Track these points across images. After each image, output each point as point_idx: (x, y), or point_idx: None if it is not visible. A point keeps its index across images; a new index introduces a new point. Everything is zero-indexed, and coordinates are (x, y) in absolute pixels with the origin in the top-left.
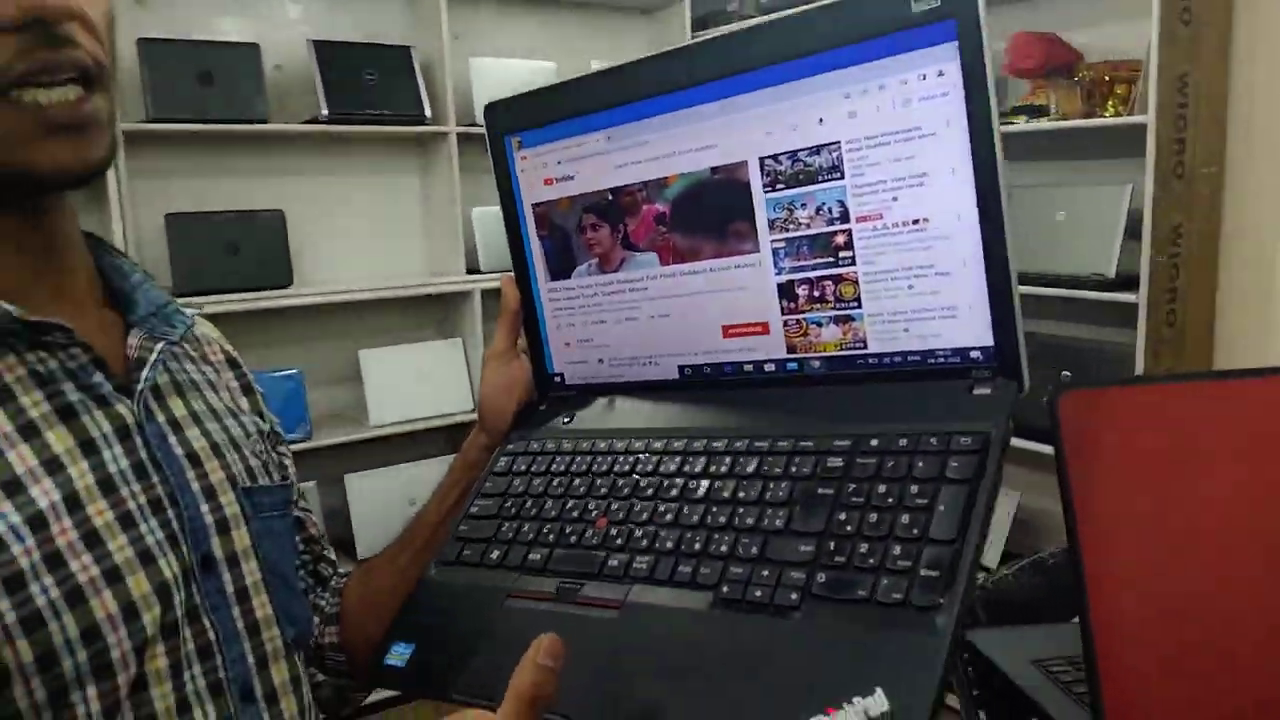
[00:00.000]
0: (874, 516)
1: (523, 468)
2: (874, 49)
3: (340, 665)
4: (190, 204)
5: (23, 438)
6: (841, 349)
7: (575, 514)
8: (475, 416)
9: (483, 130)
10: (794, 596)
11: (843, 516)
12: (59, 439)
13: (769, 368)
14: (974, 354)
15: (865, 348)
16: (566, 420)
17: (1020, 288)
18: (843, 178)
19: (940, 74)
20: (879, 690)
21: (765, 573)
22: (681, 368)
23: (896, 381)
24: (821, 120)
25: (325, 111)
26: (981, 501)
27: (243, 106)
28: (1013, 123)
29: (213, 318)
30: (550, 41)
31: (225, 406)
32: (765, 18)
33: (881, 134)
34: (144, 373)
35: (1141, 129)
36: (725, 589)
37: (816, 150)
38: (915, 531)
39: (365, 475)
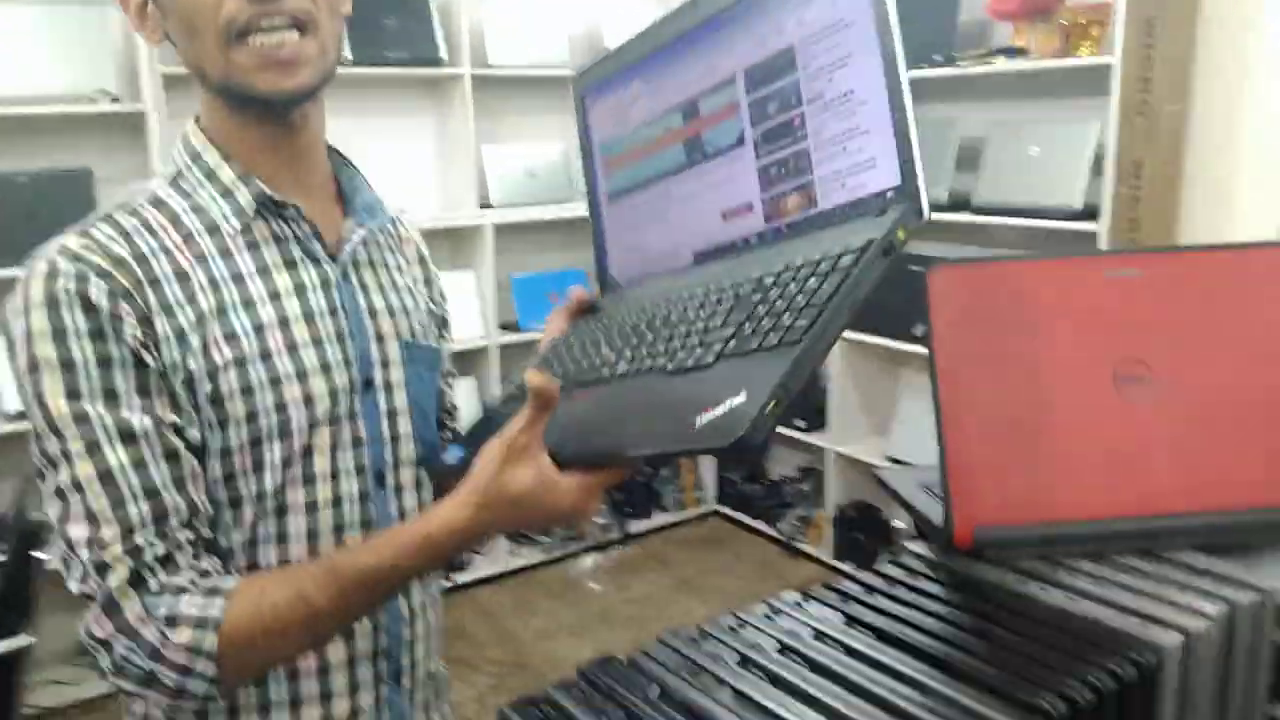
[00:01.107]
0: (779, 303)
1: (569, 340)
2: None
3: None
4: None
5: (260, 275)
6: (800, 211)
7: (590, 354)
8: (484, 343)
9: (495, 71)
10: (710, 358)
11: (761, 308)
12: (282, 280)
13: (754, 238)
14: (888, 192)
15: (817, 206)
16: (607, 308)
17: (994, 218)
18: (796, 71)
19: None
20: (742, 391)
21: (700, 350)
22: (695, 253)
23: (836, 226)
24: (781, 31)
25: (349, 55)
26: (852, 282)
27: None
28: (991, 63)
29: None
30: None
31: (405, 285)
32: None
33: (818, 31)
34: (347, 248)
35: (1109, 69)
36: (669, 365)
37: (778, 55)
38: (800, 300)
39: None
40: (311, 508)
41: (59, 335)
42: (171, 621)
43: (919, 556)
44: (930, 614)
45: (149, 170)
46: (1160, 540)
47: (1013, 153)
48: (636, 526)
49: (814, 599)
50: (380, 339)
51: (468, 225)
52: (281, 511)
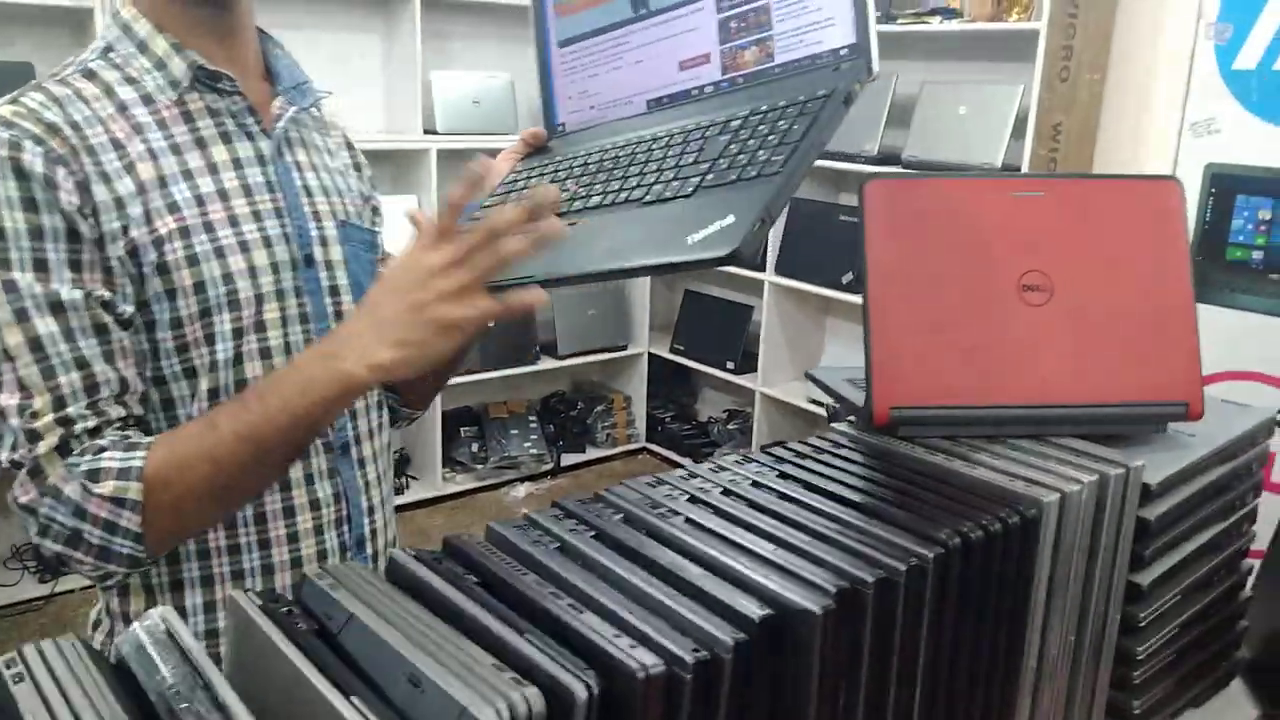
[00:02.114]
0: (751, 141)
1: (523, 177)
2: None
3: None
4: None
5: (197, 147)
6: (758, 64)
7: (577, 182)
8: None
9: None
10: (689, 189)
11: (733, 145)
12: (218, 153)
13: (708, 89)
14: (842, 51)
15: (774, 60)
16: (558, 149)
17: (921, 173)
18: None
19: None
20: (730, 215)
21: (676, 184)
22: (649, 101)
23: (790, 78)
24: None
25: None
26: (821, 124)
27: None
28: (927, 23)
29: None
30: None
31: (336, 168)
32: None
33: None
34: (280, 124)
35: (1035, 35)
36: (647, 196)
37: None
38: (773, 139)
39: None
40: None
41: None
42: (93, 475)
43: (842, 433)
44: (852, 474)
45: None
46: (1048, 426)
47: (942, 111)
48: (569, 459)
49: (752, 460)
50: (317, 217)
51: (412, 149)
52: (241, 385)
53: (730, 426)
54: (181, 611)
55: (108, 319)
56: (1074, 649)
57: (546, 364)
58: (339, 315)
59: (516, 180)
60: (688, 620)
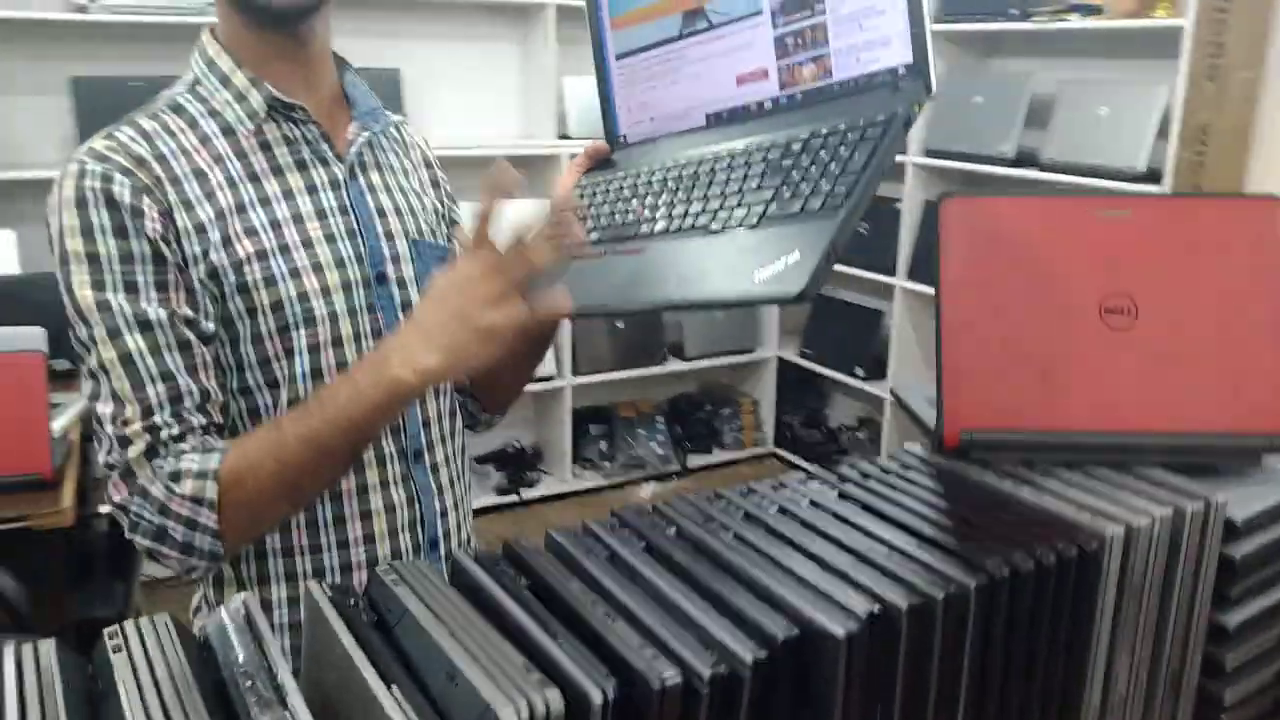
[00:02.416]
0: (813, 169)
1: (589, 193)
2: None
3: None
4: None
5: (274, 174)
6: (815, 81)
7: (620, 209)
8: None
9: (579, 2)
10: (754, 219)
11: (795, 173)
12: (294, 179)
13: (768, 104)
14: (900, 70)
15: (832, 76)
16: (622, 163)
17: (1060, 175)
18: None
19: None
20: (796, 251)
21: (741, 212)
22: (708, 115)
23: (851, 96)
24: None
25: None
26: (882, 150)
27: None
28: (1065, 20)
29: None
30: None
31: (412, 187)
32: None
33: None
34: (352, 150)
35: (1180, 31)
36: (713, 225)
37: None
38: (835, 168)
39: None
40: None
41: (86, 231)
42: (175, 477)
43: (914, 455)
44: (913, 497)
45: None
46: (1129, 455)
47: (1082, 111)
48: (695, 461)
49: (815, 479)
50: (389, 237)
51: (545, 154)
52: None
53: (860, 434)
54: (267, 605)
55: (190, 335)
56: (1146, 690)
57: (675, 365)
58: None
59: (582, 196)
60: (713, 635)
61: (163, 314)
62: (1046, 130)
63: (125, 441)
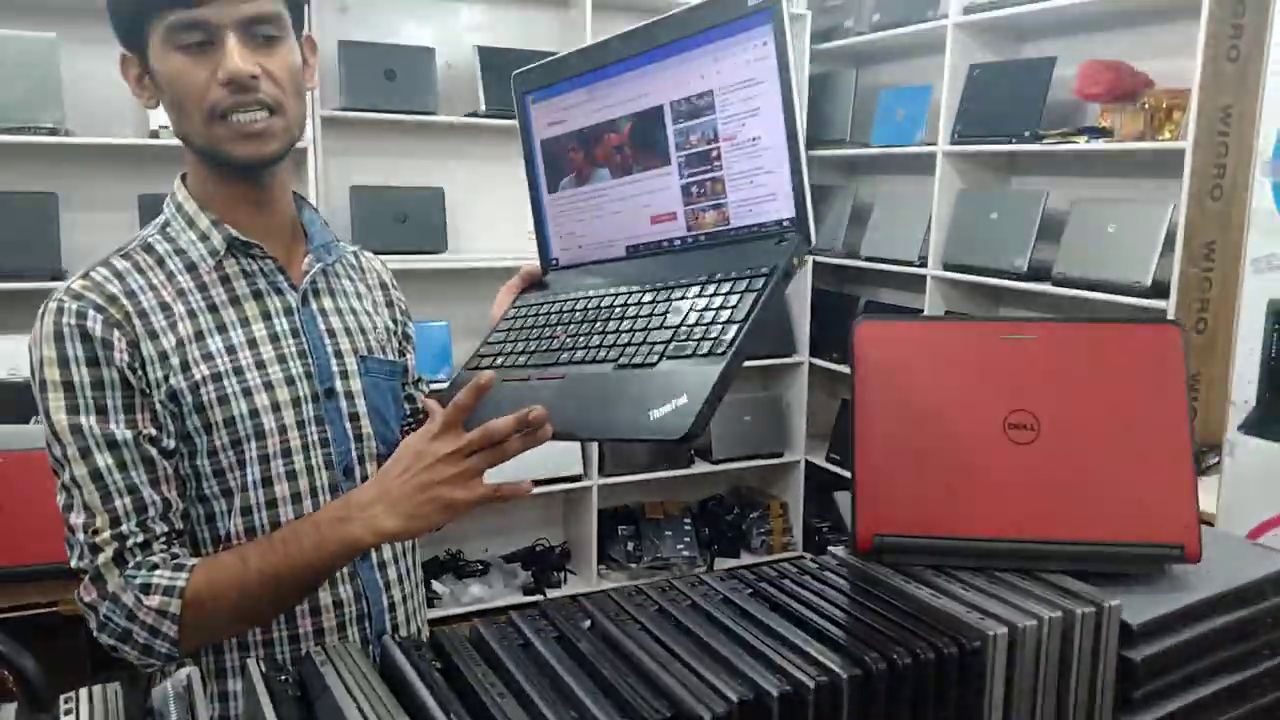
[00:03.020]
0: (707, 314)
1: (524, 314)
2: (728, 30)
3: None
4: (370, 178)
5: (231, 304)
6: (716, 226)
7: (548, 334)
8: None
9: None
10: (654, 357)
11: (691, 316)
12: (249, 308)
13: (677, 242)
14: (784, 221)
15: (729, 224)
16: (557, 285)
17: (1070, 290)
18: (715, 113)
19: (763, 44)
20: (684, 394)
21: (644, 350)
22: (627, 247)
23: (745, 243)
24: (702, 77)
25: (483, 106)
26: (762, 300)
27: (417, 99)
28: (1074, 142)
29: None
30: None
31: (364, 309)
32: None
33: (735, 83)
34: (305, 280)
35: (1183, 153)
36: (621, 359)
37: (700, 96)
38: (724, 318)
39: None
40: (295, 498)
41: (63, 362)
42: (145, 589)
43: (835, 557)
44: (820, 596)
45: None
46: (1035, 561)
47: (1092, 228)
48: (722, 564)
49: (735, 577)
50: (339, 355)
51: None
52: (271, 505)
53: None
54: (225, 695)
55: (154, 452)
56: None
57: (702, 467)
58: (358, 438)
59: (517, 317)
60: (591, 714)
61: (129, 434)
62: (1059, 245)
63: (95, 549)
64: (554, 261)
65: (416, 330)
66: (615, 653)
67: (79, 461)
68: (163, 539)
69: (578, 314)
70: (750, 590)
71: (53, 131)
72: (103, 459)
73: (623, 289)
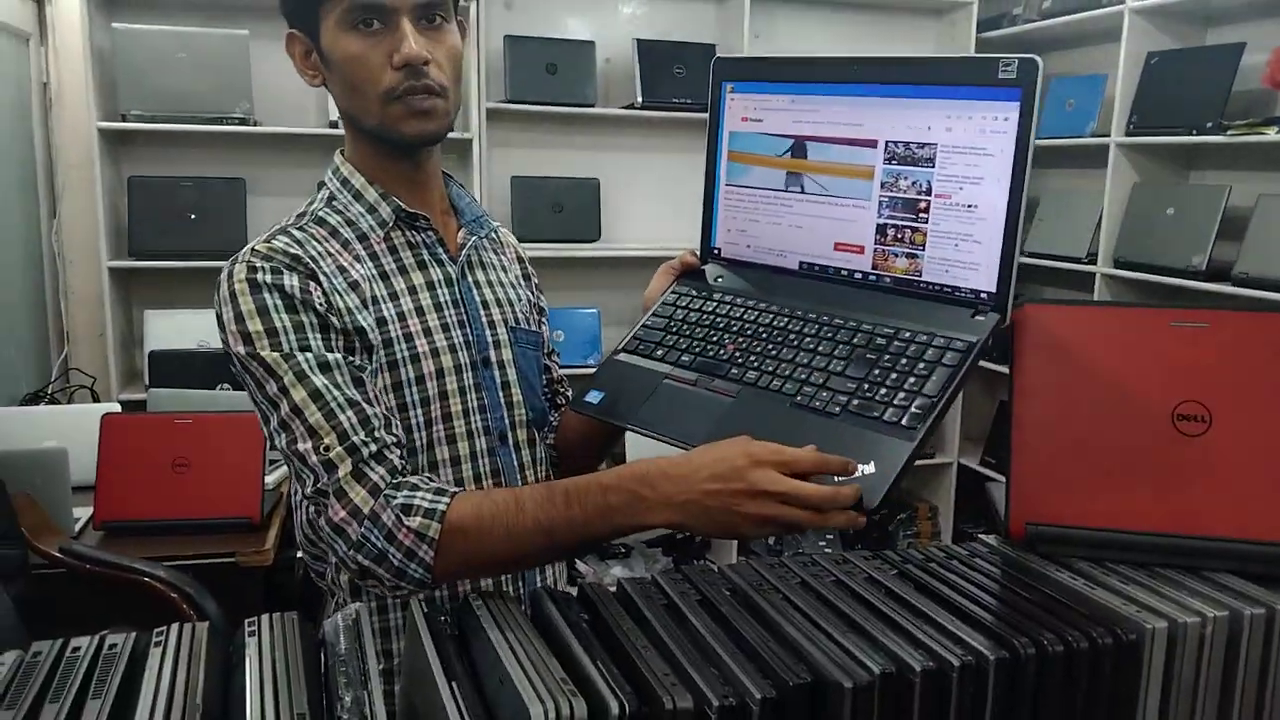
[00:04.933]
0: (894, 376)
1: (684, 304)
2: (972, 92)
3: (553, 455)
4: (530, 169)
5: (399, 273)
6: (905, 274)
7: (714, 338)
8: None
9: None
10: (836, 409)
11: (877, 371)
12: (416, 277)
13: (858, 276)
14: (982, 294)
15: (920, 276)
16: (719, 279)
17: (1253, 290)
18: (933, 167)
19: (1005, 119)
20: (872, 462)
21: (825, 395)
22: (801, 263)
23: (933, 300)
24: (929, 128)
25: (640, 99)
26: (959, 379)
27: (578, 92)
28: (1263, 133)
29: (532, 261)
30: (843, 39)
31: (509, 281)
32: (1045, 20)
33: (962, 146)
34: (463, 252)
35: None
36: (798, 398)
37: (921, 145)
38: (916, 388)
39: None
40: (454, 461)
41: (263, 311)
42: (406, 510)
43: (984, 544)
44: (968, 580)
45: (470, 186)
46: (1198, 559)
47: (1278, 226)
48: None
49: (879, 558)
50: (492, 325)
51: None
52: (432, 467)
53: None
54: (386, 630)
55: (362, 374)
56: None
57: None
58: (510, 405)
59: (677, 306)
60: (733, 673)
61: (338, 356)
62: (1241, 244)
63: (330, 465)
64: (716, 250)
65: (568, 316)
66: (757, 618)
67: (296, 386)
68: (394, 447)
69: (748, 325)
70: (895, 571)
71: (242, 121)
72: (319, 379)
73: (800, 311)
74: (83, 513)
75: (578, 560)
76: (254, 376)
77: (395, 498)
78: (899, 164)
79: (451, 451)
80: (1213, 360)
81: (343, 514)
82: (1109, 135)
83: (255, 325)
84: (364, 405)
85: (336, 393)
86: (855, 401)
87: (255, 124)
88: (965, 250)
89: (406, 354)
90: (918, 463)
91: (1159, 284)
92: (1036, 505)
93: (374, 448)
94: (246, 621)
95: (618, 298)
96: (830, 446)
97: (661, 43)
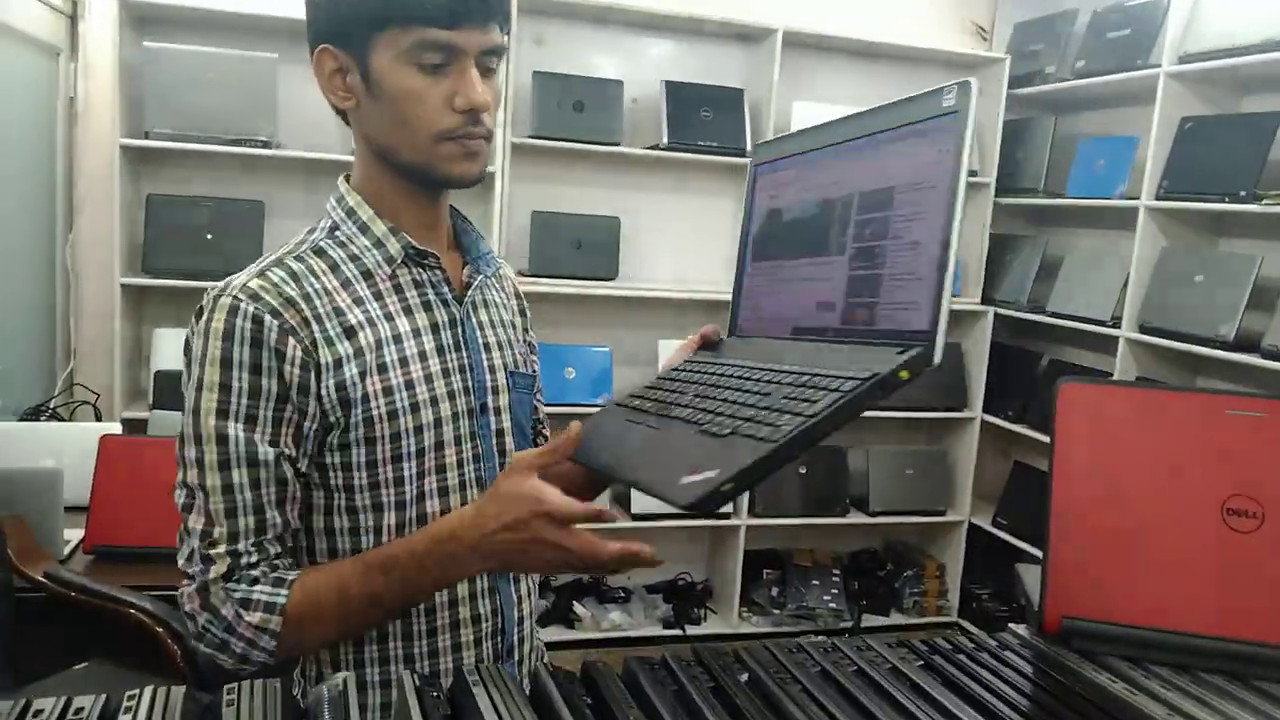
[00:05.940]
0: (785, 401)
1: (681, 371)
2: (922, 129)
3: None
4: (551, 204)
5: (404, 314)
6: (862, 324)
7: (683, 391)
8: None
9: None
10: (727, 430)
11: (771, 402)
12: (420, 319)
13: (829, 332)
14: (919, 334)
15: (873, 325)
16: (727, 351)
17: (1267, 361)
18: (891, 209)
19: (943, 149)
20: (717, 468)
21: (726, 421)
22: (793, 328)
23: (875, 344)
24: (888, 171)
25: (666, 140)
26: (843, 405)
27: (604, 131)
28: None
29: (548, 296)
30: (869, 89)
31: (508, 320)
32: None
33: (914, 183)
34: (469, 292)
35: None
36: (705, 424)
37: (883, 190)
38: (798, 410)
39: None
40: (445, 514)
41: (226, 363)
42: (245, 604)
43: (1017, 636)
44: (997, 675)
45: (491, 219)
46: (1248, 666)
47: None
48: (869, 620)
49: (904, 645)
50: (492, 370)
51: None
52: (423, 519)
53: None
54: (362, 684)
55: (289, 473)
56: None
57: (857, 518)
58: (502, 453)
59: (681, 371)
60: None
61: (270, 453)
62: (1273, 315)
63: (208, 560)
64: (739, 328)
65: (580, 353)
66: (774, 711)
67: (214, 471)
68: (274, 560)
69: (710, 380)
70: (921, 662)
71: (265, 144)
72: (238, 474)
73: (751, 365)
74: (75, 534)
75: (575, 604)
76: (188, 426)
77: (236, 591)
78: (868, 211)
79: (443, 504)
80: (1268, 453)
81: (197, 605)
82: (1139, 198)
83: (212, 374)
84: (267, 512)
85: (249, 494)
86: (746, 424)
87: (278, 146)
88: (910, 289)
89: (407, 403)
90: (927, 519)
91: (1185, 352)
92: (1073, 598)
93: (255, 557)
94: (225, 688)
95: (631, 337)
96: (697, 459)
97: (690, 85)
